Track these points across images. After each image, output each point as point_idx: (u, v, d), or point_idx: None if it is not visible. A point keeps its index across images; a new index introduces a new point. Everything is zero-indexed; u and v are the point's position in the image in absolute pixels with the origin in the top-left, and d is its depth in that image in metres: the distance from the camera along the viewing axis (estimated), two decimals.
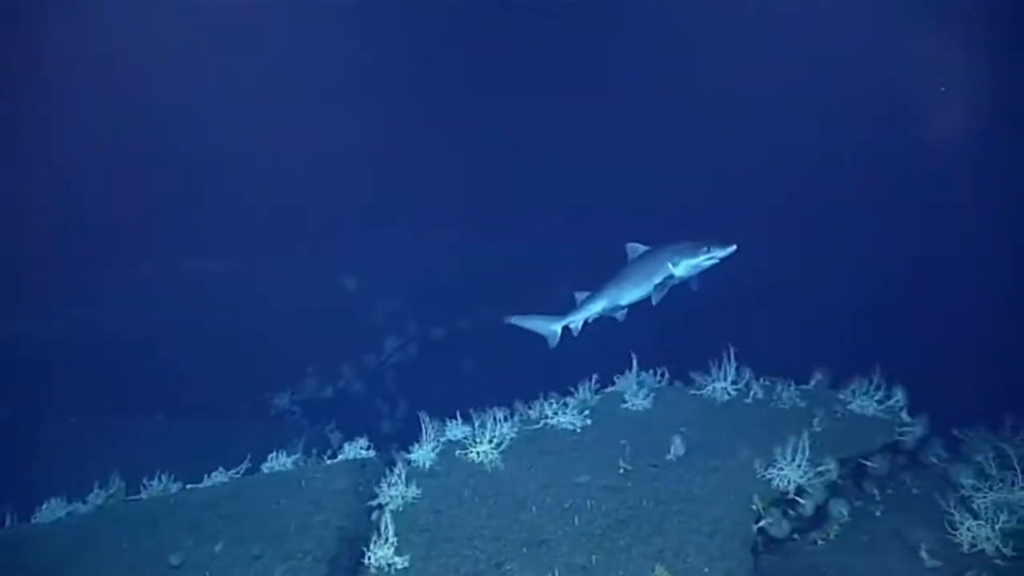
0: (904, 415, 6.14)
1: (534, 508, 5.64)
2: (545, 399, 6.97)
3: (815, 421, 5.98)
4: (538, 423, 6.72)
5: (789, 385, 6.52)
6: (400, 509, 5.86)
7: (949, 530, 4.89)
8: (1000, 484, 5.17)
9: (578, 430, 6.54)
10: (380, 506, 5.98)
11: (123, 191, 13.19)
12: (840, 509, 5.68)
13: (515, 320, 8.57)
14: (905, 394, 6.23)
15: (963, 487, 5.37)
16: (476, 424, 6.60)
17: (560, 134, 12.81)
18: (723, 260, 6.87)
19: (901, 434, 5.94)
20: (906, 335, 8.05)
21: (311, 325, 12.44)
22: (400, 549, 5.39)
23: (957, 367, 7.74)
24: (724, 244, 6.83)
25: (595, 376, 7.07)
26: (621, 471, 5.85)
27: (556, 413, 6.73)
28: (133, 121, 13.71)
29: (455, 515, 5.72)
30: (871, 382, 6.31)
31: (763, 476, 5.48)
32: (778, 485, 5.40)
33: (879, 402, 6.18)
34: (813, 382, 6.70)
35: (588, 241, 12.48)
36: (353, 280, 13.11)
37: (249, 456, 7.00)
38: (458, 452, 6.40)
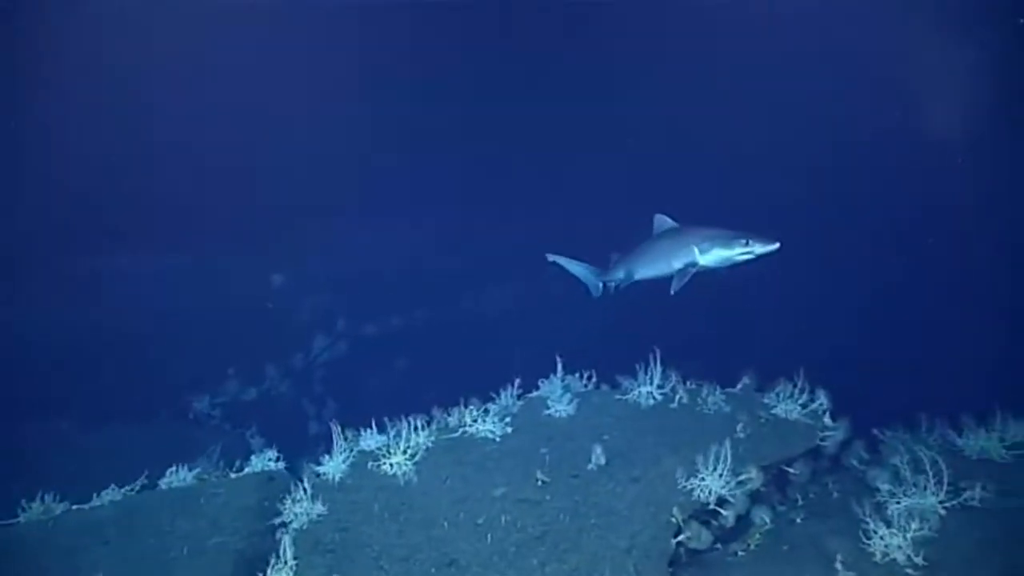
0: (827, 419, 6.03)
1: (446, 524, 5.33)
2: (465, 405, 6.67)
3: (739, 427, 5.81)
4: (456, 431, 6.40)
5: (715, 389, 6.35)
6: (304, 527, 5.47)
7: (863, 539, 4.77)
8: (913, 489, 5.09)
9: (498, 439, 6.24)
10: (283, 524, 5.58)
11: (28, 184, 12.25)
12: (763, 516, 5.53)
13: (560, 260, 8.28)
14: (828, 397, 6.12)
15: (880, 492, 5.28)
16: (392, 433, 6.27)
17: (506, 126, 12.40)
18: (759, 257, 6.32)
19: (823, 439, 5.83)
20: (832, 335, 8.05)
21: (234, 323, 11.83)
22: (300, 572, 5.01)
23: (881, 365, 7.77)
24: (766, 240, 6.25)
25: (518, 380, 6.78)
26: (539, 483, 5.57)
27: (476, 421, 6.42)
28: (42, 115, 12.73)
29: (363, 533, 5.36)
30: (795, 385, 6.19)
31: (684, 486, 5.28)
32: (699, 496, 5.21)
33: (803, 406, 6.07)
34: (740, 386, 6.56)
35: (534, 237, 12.23)
36: (280, 275, 12.53)
37: (146, 472, 6.48)
38: (371, 464, 6.03)
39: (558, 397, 6.60)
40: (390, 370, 12.39)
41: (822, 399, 6.14)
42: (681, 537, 4.99)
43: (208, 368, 11.26)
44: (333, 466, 6.02)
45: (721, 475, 5.23)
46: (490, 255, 12.39)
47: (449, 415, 6.63)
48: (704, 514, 5.27)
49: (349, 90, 12.42)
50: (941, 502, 5.00)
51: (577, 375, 7.07)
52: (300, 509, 5.55)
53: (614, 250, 8.09)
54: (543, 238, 12.08)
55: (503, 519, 5.27)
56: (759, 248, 6.26)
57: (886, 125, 11.17)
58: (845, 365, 7.60)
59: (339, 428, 6.21)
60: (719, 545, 5.38)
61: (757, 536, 5.46)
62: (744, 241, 6.30)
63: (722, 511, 5.22)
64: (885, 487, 5.29)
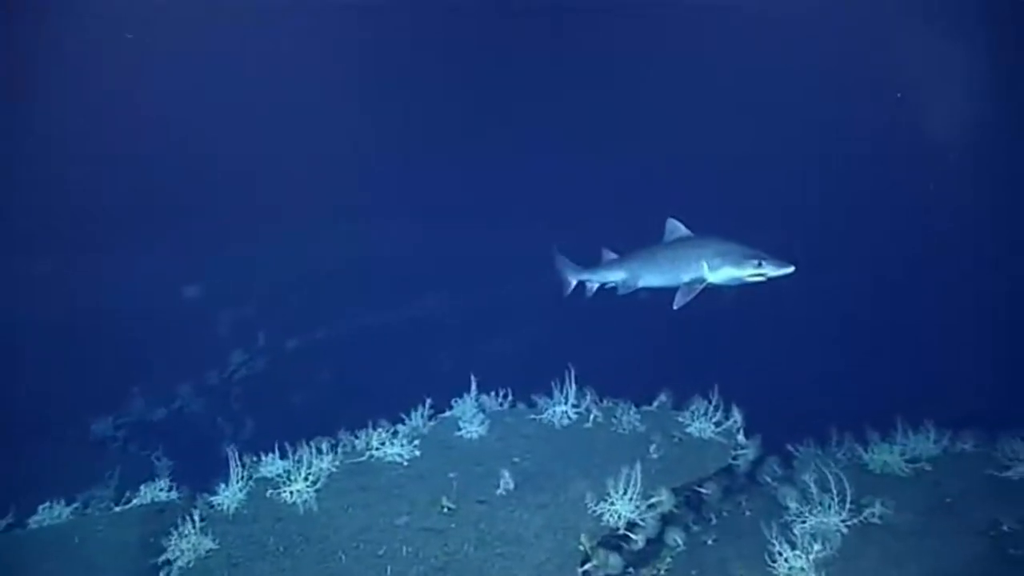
0: (740, 436, 5.99)
1: (344, 557, 5.01)
2: (374, 427, 6.37)
3: (652, 447, 5.71)
4: (363, 455, 6.09)
5: (629, 408, 6.23)
6: (190, 565, 5.06)
7: (769, 562, 4.71)
8: (819, 508, 5.07)
9: (405, 462, 5.96)
10: (167, 563, 5.14)
11: None
12: (675, 537, 5.42)
13: (556, 252, 7.88)
14: (743, 414, 6.08)
15: (788, 510, 5.25)
16: (294, 458, 5.91)
17: (438, 131, 12.05)
18: (770, 280, 5.90)
19: (735, 458, 5.77)
20: (749, 348, 8.10)
21: (141, 337, 11.12)
22: None
23: (798, 378, 7.82)
24: (780, 262, 5.83)
25: (428, 401, 6.52)
26: (444, 510, 5.32)
27: (383, 443, 6.13)
28: None
29: (253, 570, 4.98)
30: (710, 402, 6.13)
31: (594, 511, 5.12)
32: (608, 520, 5.06)
33: (716, 424, 6.01)
34: (656, 403, 6.47)
35: (471, 246, 11.91)
36: (194, 287, 11.86)
37: (14, 508, 5.90)
38: (270, 492, 5.65)
39: (470, 417, 6.38)
40: (314, 386, 11.90)
41: (736, 417, 6.10)
42: (588, 566, 4.81)
43: (111, 385, 10.52)
44: (229, 495, 5.62)
45: (631, 499, 5.09)
46: (422, 265, 12.06)
47: (357, 437, 6.34)
48: (615, 539, 5.13)
49: (273, 91, 11.90)
50: (843, 520, 4.99)
51: (493, 393, 6.88)
52: (187, 545, 5.13)
53: (606, 248, 7.69)
54: (479, 247, 11.92)
55: (404, 550, 4.99)
56: (771, 270, 5.87)
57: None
58: (763, 379, 7.67)
59: (236, 453, 5.81)
60: (631, 569, 5.23)
61: (668, 560, 5.35)
62: (756, 261, 5.90)
63: (632, 535, 5.09)
64: (793, 506, 5.26)
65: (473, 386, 6.66)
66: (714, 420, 6.01)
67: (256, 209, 12.17)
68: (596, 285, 7.60)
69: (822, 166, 12.20)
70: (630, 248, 7.24)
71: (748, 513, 5.77)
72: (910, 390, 6.84)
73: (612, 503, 5.09)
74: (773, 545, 4.77)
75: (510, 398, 6.84)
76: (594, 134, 13.30)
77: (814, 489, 5.22)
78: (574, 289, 7.82)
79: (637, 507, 5.10)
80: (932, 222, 10.93)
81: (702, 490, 5.55)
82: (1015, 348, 7.56)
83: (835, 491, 5.08)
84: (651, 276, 6.69)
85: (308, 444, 5.91)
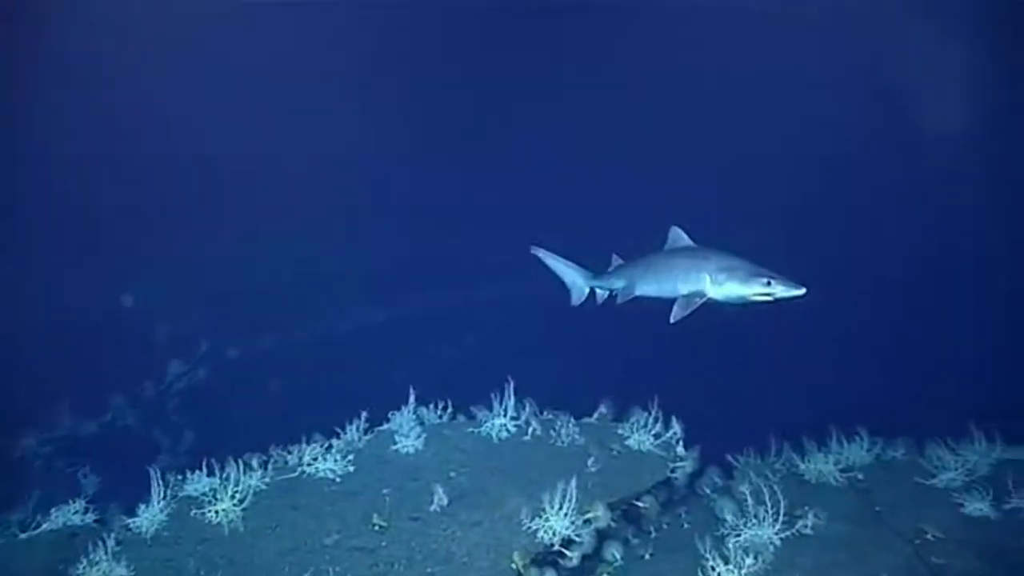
0: (680, 448, 5.97)
1: None
2: (308, 441, 6.16)
3: (590, 461, 5.63)
4: (295, 471, 5.88)
5: (569, 420, 6.15)
6: None
7: None
8: (753, 521, 5.06)
9: (338, 479, 5.76)
10: None
11: None
12: (613, 552, 5.34)
13: (545, 257, 7.40)
14: (682, 425, 6.06)
15: (725, 523, 5.23)
16: (222, 475, 5.66)
17: (371, 134, 11.74)
18: (778, 301, 5.55)
19: (673, 470, 5.74)
20: (690, 356, 8.08)
21: (70, 347, 10.60)
22: None
23: (739, 386, 7.86)
24: (790, 283, 5.45)
25: (365, 413, 6.34)
26: (376, 528, 5.16)
27: (316, 459, 5.92)
28: None
29: None
30: (650, 414, 6.09)
31: (529, 527, 5.01)
32: (543, 537, 4.96)
33: (656, 436, 5.97)
34: (596, 415, 6.41)
35: (420, 252, 11.62)
36: (128, 294, 11.36)
37: None
38: (194, 512, 5.39)
39: (407, 431, 6.21)
40: (260, 396, 11.51)
41: (676, 428, 6.07)
42: None
43: (36, 398, 9.99)
44: (148, 516, 5.35)
45: (567, 514, 5.01)
46: (371, 271, 11.76)
47: (289, 452, 6.12)
48: (550, 555, 5.03)
49: (204, 93, 11.48)
50: (777, 532, 4.99)
51: (432, 405, 6.73)
52: (97, 573, 4.84)
53: (616, 253, 7.43)
54: (429, 253, 11.68)
55: (332, 571, 4.80)
56: (781, 291, 5.49)
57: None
58: (706, 388, 7.69)
59: (159, 471, 5.53)
60: None
61: (605, 575, 5.27)
62: (765, 280, 5.52)
63: (567, 552, 4.99)
64: (729, 518, 5.24)
65: (411, 398, 6.52)
66: (653, 432, 5.97)
67: (196, 212, 11.73)
68: (606, 293, 7.26)
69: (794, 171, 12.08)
70: (634, 255, 7.02)
71: (687, 526, 5.74)
72: (846, 398, 6.95)
73: (547, 519, 5.00)
74: (706, 560, 4.73)
75: (450, 410, 6.72)
76: (556, 132, 13.02)
77: (750, 501, 5.21)
78: (587, 297, 7.44)
79: (573, 523, 5.02)
80: (879, 230, 11.18)
81: (639, 504, 5.49)
82: (943, 356, 7.77)
83: (769, 503, 5.08)
84: (648, 285, 6.42)
85: (237, 460, 5.68)
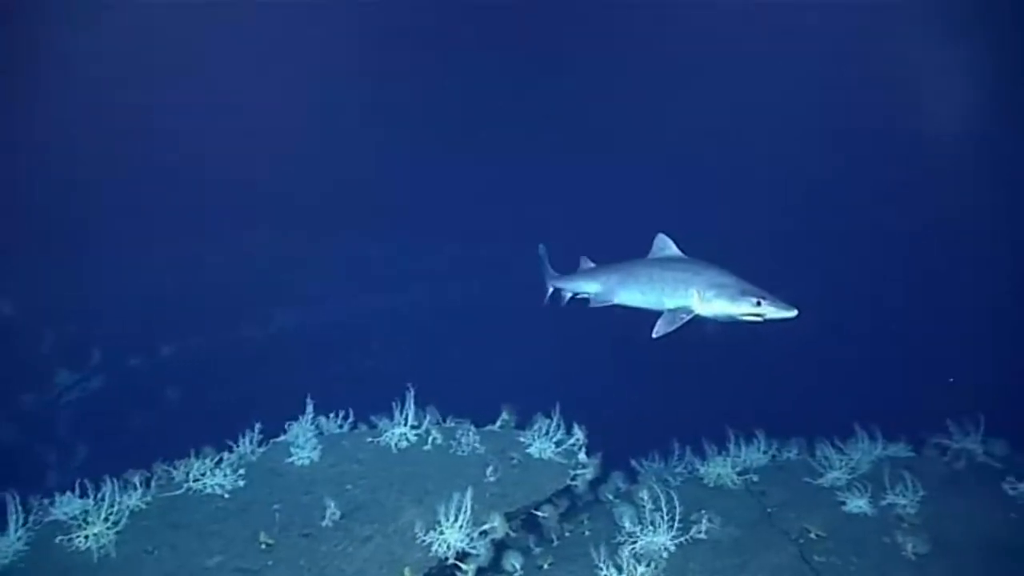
0: (582, 455, 5.95)
1: None
2: (197, 455, 5.83)
3: (489, 470, 5.54)
4: (180, 488, 5.54)
5: (469, 429, 6.05)
6: None
7: None
8: (650, 527, 5.08)
9: (227, 494, 5.47)
10: None
11: None
12: (513, 563, 5.25)
13: (542, 251, 7.28)
14: (585, 431, 6.05)
15: (623, 530, 5.24)
16: (96, 496, 5.26)
17: (280, 135, 11.26)
18: (767, 322, 5.28)
19: (573, 478, 5.72)
20: (596, 361, 8.13)
21: None
22: None
23: (644, 390, 7.92)
24: (782, 304, 5.21)
25: (259, 425, 6.05)
26: (263, 546, 4.91)
27: (204, 474, 5.61)
28: None
29: None
30: (552, 420, 6.06)
31: (423, 541, 4.88)
32: (437, 551, 4.83)
33: (557, 443, 5.94)
34: (499, 422, 6.33)
35: (332, 256, 11.19)
36: (8, 303, 10.51)
37: None
38: (60, 538, 4.98)
39: (303, 442, 5.97)
40: (159, 408, 10.88)
41: (578, 435, 6.06)
42: None
43: None
44: (3, 546, 4.90)
45: (462, 526, 4.90)
46: (278, 275, 11.30)
47: (175, 468, 5.77)
48: (445, 569, 4.91)
49: (95, 92, 10.76)
50: (672, 538, 5.04)
51: (333, 415, 6.50)
52: None
53: (584, 255, 7.20)
54: (335, 260, 11.32)
55: None
56: (771, 312, 5.22)
57: None
58: (611, 393, 7.75)
59: (15, 495, 5.09)
60: None
61: None
62: (755, 300, 5.25)
63: (462, 566, 4.89)
64: (627, 525, 5.25)
65: (309, 408, 6.28)
66: (555, 440, 5.94)
67: (88, 216, 10.99)
68: (569, 294, 7.04)
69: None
70: (609, 260, 6.74)
71: (588, 533, 5.72)
72: (743, 401, 7.12)
73: (442, 532, 4.88)
74: (600, 569, 4.72)
75: (351, 420, 6.51)
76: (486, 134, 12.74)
77: (649, 507, 5.23)
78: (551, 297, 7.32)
79: (468, 535, 4.92)
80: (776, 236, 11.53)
81: (539, 513, 5.44)
82: (832, 358, 8.09)
83: (665, 509, 5.12)
84: (630, 294, 6.07)
85: (115, 479, 5.31)
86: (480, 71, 12.39)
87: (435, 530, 4.90)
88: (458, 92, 12.72)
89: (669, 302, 5.69)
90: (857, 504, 5.46)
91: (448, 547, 4.83)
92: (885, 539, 5.04)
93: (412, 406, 6.06)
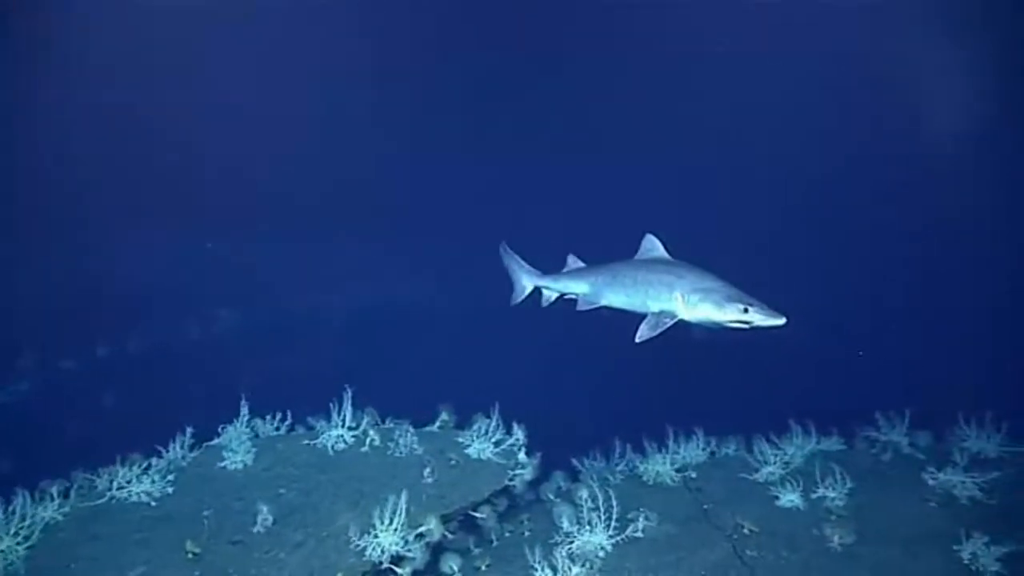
0: (521, 455, 5.92)
1: None
2: (123, 462, 5.59)
3: (426, 472, 5.48)
4: (104, 496, 5.31)
5: (407, 429, 5.96)
6: None
7: None
8: (588, 527, 5.10)
9: (154, 502, 5.27)
10: None
11: None
12: (451, 564, 5.19)
13: (505, 253, 6.83)
14: (525, 431, 6.02)
15: (561, 530, 5.23)
16: (6, 510, 4.98)
17: (215, 133, 10.89)
18: (754, 330, 5.10)
19: (511, 478, 5.69)
20: (537, 358, 8.10)
21: None
22: None
23: (585, 389, 7.93)
24: (770, 311, 5.03)
25: (190, 428, 5.85)
26: (190, 555, 4.74)
27: (130, 481, 5.39)
28: None
29: None
30: (491, 421, 6.02)
31: (357, 545, 4.79)
32: (372, 555, 4.74)
33: (496, 443, 5.90)
34: (438, 423, 6.25)
35: (260, 258, 10.86)
36: None
37: None
38: None
39: (237, 446, 5.79)
40: (94, 413, 10.45)
41: (518, 434, 6.03)
42: None
43: None
44: None
45: (396, 529, 4.83)
46: (218, 274, 10.96)
47: (98, 476, 5.53)
48: (380, 574, 4.82)
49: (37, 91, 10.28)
50: (609, 537, 5.06)
51: (269, 417, 6.32)
52: None
53: (572, 255, 6.90)
54: (269, 260, 11.00)
55: None
56: (759, 319, 5.04)
57: None
58: (553, 391, 7.74)
59: None
60: None
61: None
62: (742, 307, 5.07)
63: (397, 570, 4.81)
64: (565, 525, 5.25)
65: (244, 410, 6.10)
66: (494, 440, 5.90)
67: (17, 217, 10.48)
68: (555, 295, 6.78)
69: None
70: (599, 260, 6.53)
71: (528, 533, 5.71)
72: (684, 398, 7.22)
73: (376, 536, 4.80)
74: (535, 570, 4.71)
75: (288, 422, 6.35)
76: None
77: (587, 506, 5.24)
78: (528, 296, 6.96)
79: (404, 538, 4.85)
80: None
81: (476, 514, 5.40)
82: (770, 356, 8.25)
83: (602, 508, 5.14)
84: (615, 296, 5.94)
85: (26, 491, 5.05)
86: (456, 65, 12.19)
87: (369, 534, 4.82)
88: (426, 87, 12.48)
89: (654, 305, 5.53)
90: (790, 498, 5.57)
91: (382, 551, 4.74)
92: (815, 531, 5.16)
93: (350, 407, 5.95)
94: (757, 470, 6.03)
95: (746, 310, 5.10)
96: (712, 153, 12.02)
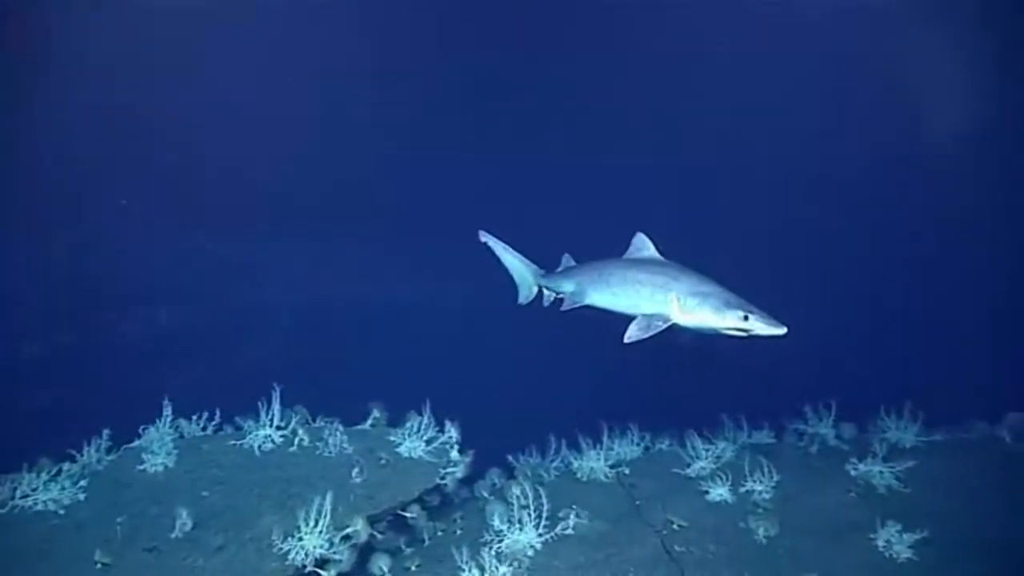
0: (454, 453, 5.85)
1: None
2: (31, 468, 5.29)
3: (355, 472, 5.36)
4: (4, 507, 5.02)
5: (337, 428, 5.83)
6: None
7: None
8: (519, 525, 5.07)
9: (62, 511, 5.01)
10: None
11: None
12: (380, 565, 5.09)
13: (495, 246, 6.42)
14: (459, 428, 5.95)
15: (492, 528, 5.19)
16: None
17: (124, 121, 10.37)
18: (751, 338, 4.89)
19: (443, 477, 5.62)
20: (473, 353, 8.00)
21: None
22: None
23: (522, 383, 7.86)
24: (770, 319, 4.80)
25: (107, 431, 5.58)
26: (98, 566, 4.52)
27: (36, 489, 5.11)
28: None
29: None
30: (423, 418, 5.93)
31: (280, 549, 4.64)
32: (295, 559, 4.61)
33: (428, 441, 5.82)
34: (370, 421, 6.13)
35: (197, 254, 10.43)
36: None
37: None
38: None
39: (158, 447, 5.56)
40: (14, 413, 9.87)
41: (452, 432, 5.96)
42: None
43: None
44: None
45: (321, 531, 4.70)
46: (144, 269, 10.46)
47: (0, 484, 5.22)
48: None
49: None
50: (539, 535, 5.04)
51: (196, 417, 6.09)
52: None
53: (567, 254, 6.70)
54: (206, 256, 10.57)
55: None
56: (759, 327, 4.82)
57: None
58: (488, 386, 7.66)
59: None
60: None
61: None
62: (742, 314, 4.83)
63: (322, 572, 4.69)
64: (496, 523, 5.20)
65: (167, 410, 5.86)
66: (426, 438, 5.82)
67: None
68: (553, 295, 6.57)
69: None
70: (589, 259, 6.32)
71: (460, 532, 5.65)
72: (621, 393, 7.26)
73: (300, 538, 4.67)
74: (463, 570, 4.66)
75: (216, 422, 6.13)
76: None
77: (519, 504, 5.20)
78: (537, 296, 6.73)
79: (329, 540, 4.73)
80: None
81: (405, 514, 5.31)
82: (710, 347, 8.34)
83: (533, 506, 5.11)
84: (601, 296, 5.71)
85: None
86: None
87: (294, 536, 4.68)
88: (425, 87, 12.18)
89: (646, 307, 5.29)
90: (719, 492, 5.65)
91: (306, 554, 4.62)
92: (741, 525, 5.25)
93: (278, 406, 5.78)
94: (689, 465, 6.11)
95: (746, 317, 4.87)
96: (712, 153, 12.09)
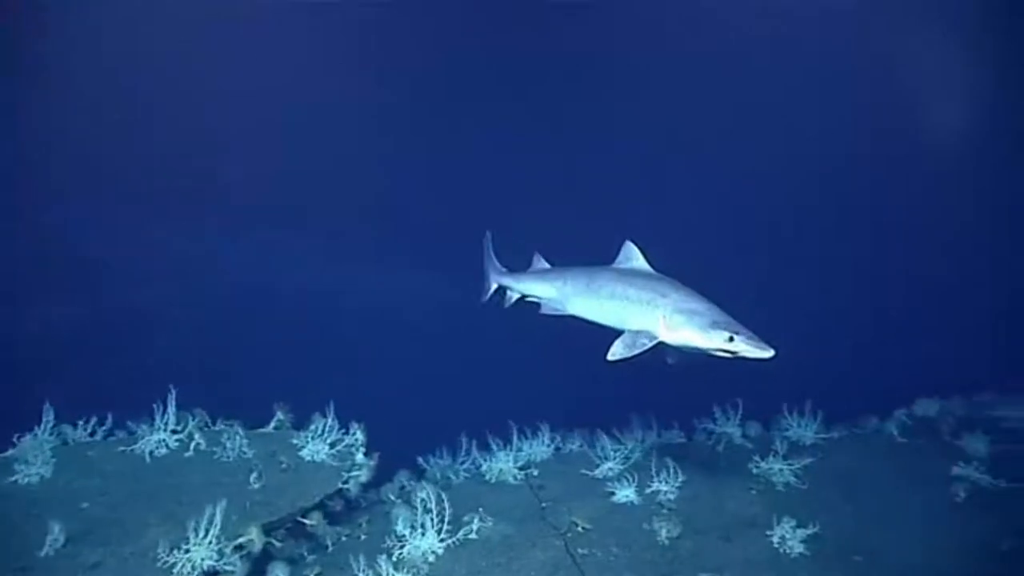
0: (359, 456, 5.70)
1: None
2: None
3: (253, 477, 5.14)
4: None
5: (238, 432, 5.58)
6: None
7: None
8: (422, 530, 4.96)
9: None
10: None
11: None
12: (279, 574, 4.91)
13: (487, 242, 6.36)
14: (365, 430, 5.81)
15: (395, 533, 5.07)
16: None
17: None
18: (736, 359, 4.65)
19: (346, 480, 5.46)
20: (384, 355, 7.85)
21: None
22: None
23: (432, 385, 7.77)
24: (758, 342, 4.57)
25: None
26: None
27: None
28: None
29: None
30: (327, 420, 5.75)
31: (165, 562, 4.39)
32: (181, 572, 4.37)
33: (332, 444, 5.65)
34: (273, 423, 5.91)
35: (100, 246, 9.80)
36: None
37: None
38: None
39: (33, 456, 5.18)
40: None
41: (357, 434, 5.81)
42: None
43: None
44: None
45: (211, 542, 4.48)
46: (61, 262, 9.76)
47: None
48: None
49: None
50: (442, 540, 4.96)
51: (83, 422, 5.72)
52: None
53: (538, 254, 6.38)
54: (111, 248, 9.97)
55: None
56: (746, 349, 4.59)
57: None
58: (398, 388, 7.52)
59: None
60: None
61: None
62: (728, 335, 4.62)
63: None
64: (399, 528, 5.08)
65: (48, 416, 5.47)
66: (330, 440, 5.64)
67: None
68: (517, 295, 6.27)
69: None
70: (568, 262, 5.99)
71: (364, 537, 5.50)
72: (533, 393, 7.23)
73: (188, 550, 4.43)
74: None
75: (107, 426, 5.77)
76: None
77: (423, 508, 5.10)
78: (494, 293, 6.52)
79: (220, 551, 4.51)
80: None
81: (305, 520, 5.13)
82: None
83: (437, 510, 5.02)
84: (586, 306, 5.43)
85: None
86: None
87: (180, 548, 4.44)
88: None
89: (632, 323, 5.05)
90: (625, 494, 5.70)
91: (194, 567, 4.39)
92: (645, 526, 5.31)
93: (174, 408, 5.49)
94: (597, 466, 6.15)
95: (732, 338, 4.64)
96: (710, 153, 12.15)
